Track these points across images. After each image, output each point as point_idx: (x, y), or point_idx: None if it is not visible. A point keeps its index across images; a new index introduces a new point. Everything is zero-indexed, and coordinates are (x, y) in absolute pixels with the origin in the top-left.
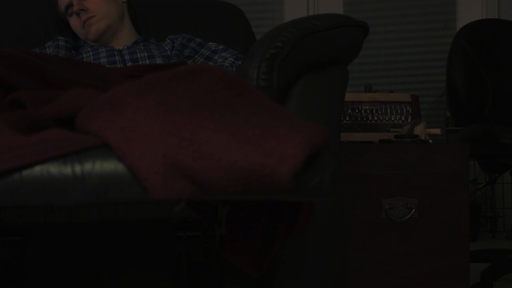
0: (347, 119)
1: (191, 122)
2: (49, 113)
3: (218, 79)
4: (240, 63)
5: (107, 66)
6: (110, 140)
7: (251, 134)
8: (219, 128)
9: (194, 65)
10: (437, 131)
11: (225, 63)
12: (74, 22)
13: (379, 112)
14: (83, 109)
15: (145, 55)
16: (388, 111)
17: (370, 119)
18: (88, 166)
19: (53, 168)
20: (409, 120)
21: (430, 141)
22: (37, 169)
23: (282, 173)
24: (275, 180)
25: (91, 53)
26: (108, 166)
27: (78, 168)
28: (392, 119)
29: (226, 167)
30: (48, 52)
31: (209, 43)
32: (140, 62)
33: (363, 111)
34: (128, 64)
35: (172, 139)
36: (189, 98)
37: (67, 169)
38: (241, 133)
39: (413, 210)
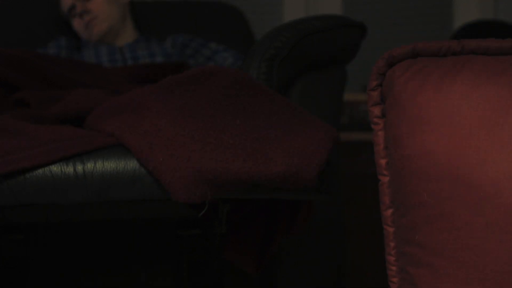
0: (346, 119)
1: (214, 127)
2: (55, 113)
3: (234, 81)
4: (240, 63)
5: (108, 64)
6: (131, 143)
7: (273, 135)
8: (242, 133)
9: (209, 67)
10: None
11: (225, 64)
12: (77, 23)
13: None
14: (94, 109)
15: (146, 53)
16: None
17: (368, 119)
18: (89, 166)
19: (56, 168)
20: None
21: None
22: (40, 169)
23: (308, 171)
24: (300, 178)
25: (92, 52)
26: (109, 165)
27: (80, 168)
28: None
29: (250, 169)
30: (49, 52)
31: (210, 43)
32: (141, 60)
33: (361, 111)
34: (128, 62)
35: (196, 144)
36: (209, 102)
37: (69, 169)
38: (264, 136)
39: None
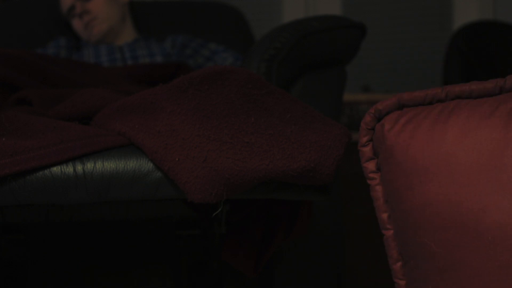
0: (345, 119)
1: (229, 126)
2: (62, 113)
3: (247, 80)
4: (239, 63)
5: (108, 63)
6: (145, 143)
7: (289, 131)
8: (257, 130)
9: (222, 67)
10: None
11: (225, 64)
12: (76, 24)
13: None
14: (102, 108)
15: (145, 52)
16: None
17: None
18: (89, 166)
19: (55, 168)
20: None
21: None
22: (39, 169)
23: (327, 166)
24: (318, 173)
25: (92, 51)
26: (109, 165)
27: (79, 168)
28: None
29: (267, 167)
30: (49, 52)
31: (210, 44)
32: (140, 60)
33: (361, 111)
34: (128, 62)
35: (212, 143)
36: (223, 101)
37: (68, 169)
38: (280, 132)
39: None
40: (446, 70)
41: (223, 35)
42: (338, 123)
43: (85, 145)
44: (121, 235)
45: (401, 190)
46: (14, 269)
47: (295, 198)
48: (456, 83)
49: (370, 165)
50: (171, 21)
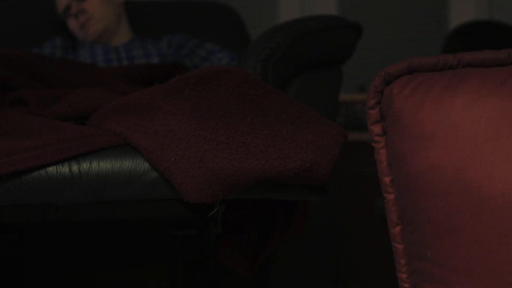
0: (341, 119)
1: (225, 126)
2: (58, 113)
3: (243, 80)
4: (235, 63)
5: (103, 64)
6: (141, 143)
7: (285, 131)
8: (253, 130)
9: (218, 67)
10: None
11: (221, 64)
12: (72, 23)
13: None
14: (98, 108)
15: (141, 53)
16: None
17: (364, 119)
18: (85, 166)
19: (51, 168)
20: None
21: None
22: (35, 168)
23: (323, 166)
24: (314, 173)
25: (87, 51)
26: (105, 165)
27: (75, 168)
28: None
29: (263, 166)
30: (44, 52)
31: (206, 44)
32: (136, 60)
33: (357, 111)
34: (124, 62)
35: (208, 143)
36: (219, 101)
37: (64, 169)
38: (276, 132)
39: None
40: None
41: (219, 35)
42: (334, 123)
43: (81, 145)
44: (117, 235)
45: (405, 153)
46: (10, 270)
47: (291, 198)
48: None
49: (376, 128)
50: (167, 21)
